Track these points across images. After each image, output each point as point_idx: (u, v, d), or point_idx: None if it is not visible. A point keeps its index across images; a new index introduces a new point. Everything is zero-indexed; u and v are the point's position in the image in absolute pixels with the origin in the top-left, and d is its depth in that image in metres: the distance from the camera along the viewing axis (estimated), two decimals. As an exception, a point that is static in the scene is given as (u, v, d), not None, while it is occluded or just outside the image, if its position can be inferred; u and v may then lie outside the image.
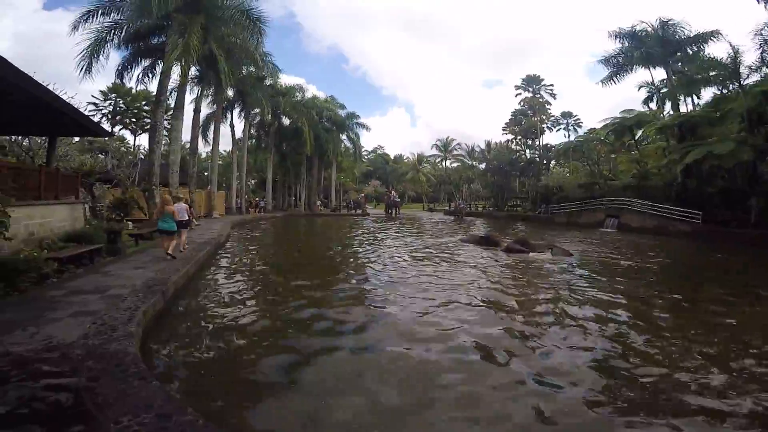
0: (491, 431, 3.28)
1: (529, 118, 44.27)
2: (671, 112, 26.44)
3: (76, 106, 11.43)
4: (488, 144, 52.83)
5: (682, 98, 25.65)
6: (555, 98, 44.85)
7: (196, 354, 4.69)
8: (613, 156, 37.88)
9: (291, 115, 35.66)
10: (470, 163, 55.97)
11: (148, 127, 26.52)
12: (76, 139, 24.09)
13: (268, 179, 36.23)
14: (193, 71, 22.87)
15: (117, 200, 15.27)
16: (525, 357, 4.74)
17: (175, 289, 7.02)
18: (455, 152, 58.44)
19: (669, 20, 25.31)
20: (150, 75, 20.76)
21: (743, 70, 19.69)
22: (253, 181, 54.16)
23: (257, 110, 32.74)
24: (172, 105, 21.69)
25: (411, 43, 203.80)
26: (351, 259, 12.22)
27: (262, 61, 25.03)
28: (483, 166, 52.09)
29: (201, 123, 27.02)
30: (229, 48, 21.89)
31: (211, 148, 29.42)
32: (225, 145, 54.56)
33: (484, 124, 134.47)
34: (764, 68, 18.83)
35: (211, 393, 3.77)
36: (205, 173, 45.57)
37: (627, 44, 27.14)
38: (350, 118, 42.53)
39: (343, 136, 43.58)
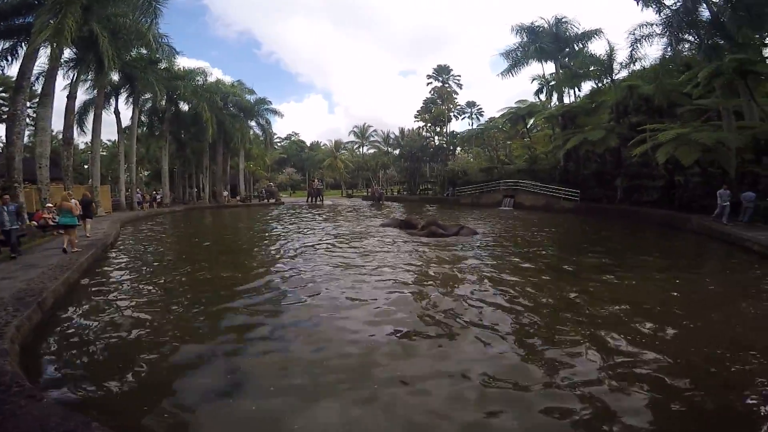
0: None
1: (438, 106, 46.64)
2: (557, 103, 29.91)
3: None
4: (402, 131, 54.55)
5: (566, 90, 29.18)
6: (461, 88, 47.94)
7: (87, 366, 4.26)
8: (509, 142, 41.93)
9: (191, 100, 32.50)
10: (386, 149, 57.34)
11: (6, 116, 22.12)
12: None
13: (163, 170, 32.56)
14: (68, 53, 19.88)
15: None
16: (446, 326, 5.16)
17: (55, 298, 6.20)
18: (372, 139, 59.50)
19: (563, 18, 28.17)
20: (10, 58, 17.30)
21: (616, 66, 23.03)
22: (146, 173, 48.48)
23: (149, 95, 29.15)
24: (39, 91, 18.47)
25: (330, 30, 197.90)
26: (263, 251, 11.66)
27: (156, 43, 22.86)
28: (397, 152, 53.69)
29: (77, 110, 23.46)
30: (115, 29, 19.54)
31: (90, 138, 25.47)
32: (110, 134, 47.98)
33: (399, 112, 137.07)
34: (632, 65, 22.11)
35: (110, 403, 3.52)
36: (85, 166, 39.68)
37: (526, 39, 29.48)
38: (260, 103, 40.27)
39: (252, 123, 41.24)
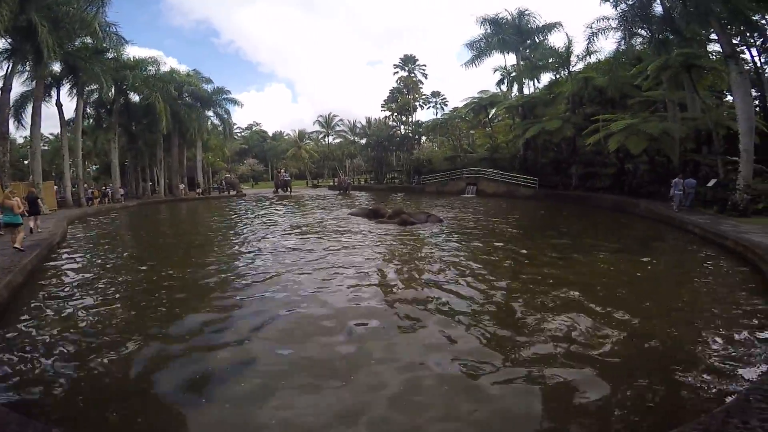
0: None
1: (404, 95, 46.63)
2: (518, 94, 30.65)
3: None
4: (369, 120, 54.09)
5: (526, 82, 29.89)
6: (427, 78, 48.07)
7: (37, 372, 4.06)
8: (472, 132, 42.66)
9: (142, 90, 30.58)
10: (352, 138, 56.74)
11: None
12: None
13: (113, 164, 30.51)
14: (2, 44, 18.61)
15: None
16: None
17: None
18: (338, 128, 58.57)
19: (525, 10, 28.60)
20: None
21: (573, 58, 23.83)
22: (94, 167, 45.41)
23: (95, 86, 27.17)
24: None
25: (292, 18, 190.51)
26: (223, 246, 11.21)
27: (104, 32, 22.04)
28: (364, 141, 53.32)
29: (12, 103, 21.91)
30: (57, 18, 18.53)
31: (29, 132, 23.49)
32: (52, 127, 44.46)
33: (366, 101, 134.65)
34: (588, 57, 22.95)
35: (65, 410, 3.39)
36: (25, 162, 36.77)
37: (490, 30, 29.74)
38: (218, 93, 38.52)
39: (210, 113, 39.50)
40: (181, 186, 37.47)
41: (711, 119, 15.98)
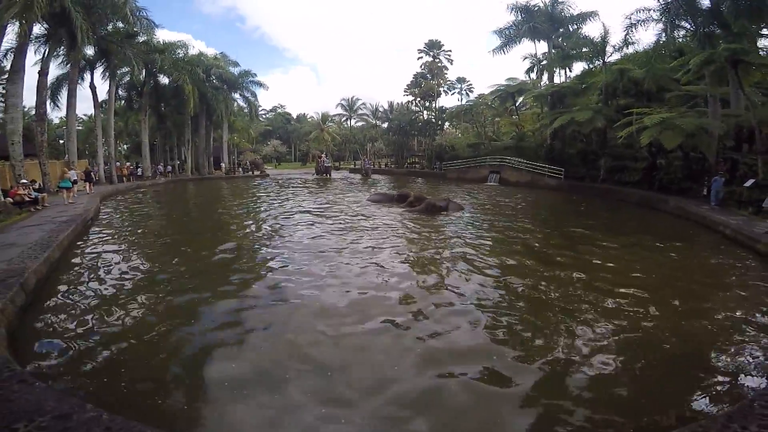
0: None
1: (428, 81, 45.75)
2: (548, 82, 29.73)
3: None
4: (391, 104, 53.90)
5: (557, 70, 28.95)
6: (452, 63, 46.75)
7: (77, 351, 4.21)
8: (497, 119, 41.74)
9: (171, 73, 31.26)
10: (374, 122, 56.58)
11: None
12: None
13: (143, 143, 31.53)
14: (39, 29, 19.18)
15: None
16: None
17: (38, 279, 6.05)
18: (360, 111, 58.56)
19: None
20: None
21: (609, 49, 22.84)
22: (125, 147, 46.94)
23: (126, 69, 27.96)
24: (8, 68, 18.24)
25: (319, 5, 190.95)
26: (254, 227, 11.59)
27: (134, 17, 22.84)
28: (386, 125, 53.13)
29: (50, 85, 22.93)
30: (90, 3, 19.46)
31: (65, 113, 24.60)
32: (86, 108, 45.98)
33: (389, 87, 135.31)
34: (625, 48, 21.97)
35: (101, 387, 3.55)
36: (61, 141, 38.36)
37: (520, 17, 28.96)
38: (244, 75, 38.91)
39: (236, 95, 39.99)
40: (206, 165, 38.53)
41: (755, 117, 15.12)
